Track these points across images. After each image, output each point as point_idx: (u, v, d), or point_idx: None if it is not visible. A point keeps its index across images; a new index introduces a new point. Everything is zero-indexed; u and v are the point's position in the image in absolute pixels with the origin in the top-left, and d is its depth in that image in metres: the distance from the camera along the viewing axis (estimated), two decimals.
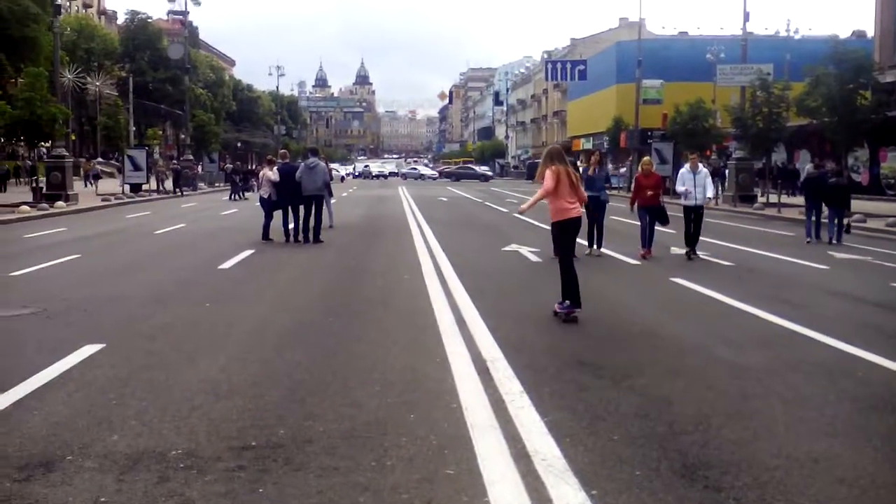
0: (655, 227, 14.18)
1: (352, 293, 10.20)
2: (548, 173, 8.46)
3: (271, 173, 16.48)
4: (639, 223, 14.51)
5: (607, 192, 15.19)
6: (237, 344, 7.19)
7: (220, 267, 12.51)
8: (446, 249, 14.78)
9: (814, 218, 18.00)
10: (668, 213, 14.18)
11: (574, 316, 8.12)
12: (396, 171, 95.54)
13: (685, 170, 14.40)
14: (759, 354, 7.01)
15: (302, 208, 16.23)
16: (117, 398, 5.51)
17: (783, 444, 4.65)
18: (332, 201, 20.30)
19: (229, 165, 53.98)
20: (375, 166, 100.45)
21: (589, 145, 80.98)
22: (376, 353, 6.77)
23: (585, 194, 11.37)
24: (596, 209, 14.28)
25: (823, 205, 17.72)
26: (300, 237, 16.06)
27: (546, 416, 5.02)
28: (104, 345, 7.01)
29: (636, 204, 14.20)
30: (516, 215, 21.76)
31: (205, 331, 7.76)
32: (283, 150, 18.26)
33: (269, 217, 16.36)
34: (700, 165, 14.51)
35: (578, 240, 14.05)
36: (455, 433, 4.75)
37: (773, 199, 30.93)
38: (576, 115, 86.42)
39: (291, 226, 16.35)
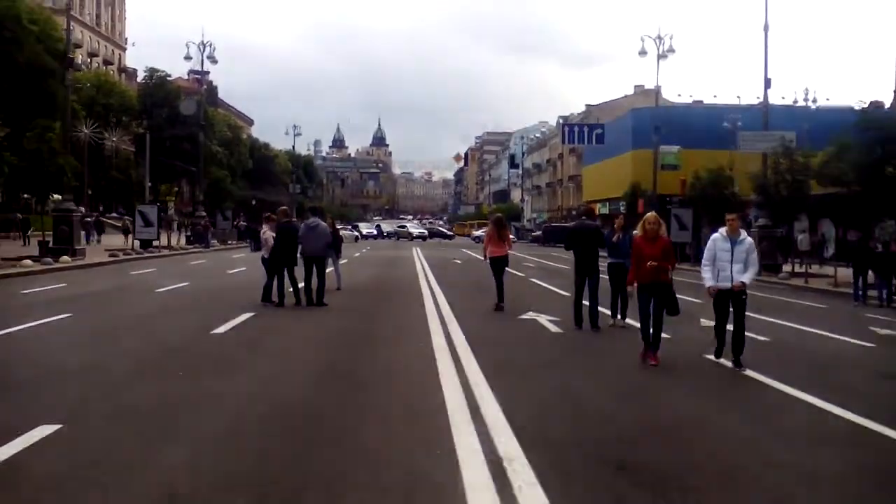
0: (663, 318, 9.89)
1: (352, 367, 9.16)
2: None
3: (269, 232, 15.67)
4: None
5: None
6: (210, 429, 6.20)
7: (214, 332, 11.55)
8: (459, 316, 13.80)
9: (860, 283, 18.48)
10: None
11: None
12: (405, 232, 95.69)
13: (720, 236, 9.77)
14: (824, 455, 5.99)
15: (303, 270, 15.37)
16: (53, 499, 4.55)
17: None
18: (341, 262, 19.40)
19: (243, 223, 53.56)
20: (386, 226, 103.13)
21: (605, 210, 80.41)
22: (372, 447, 5.75)
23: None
24: (621, 277, 13.33)
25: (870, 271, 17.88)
26: (302, 300, 15.16)
27: None
28: (60, 426, 6.06)
29: (635, 283, 10.04)
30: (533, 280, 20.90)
31: (177, 411, 6.77)
32: (282, 208, 17.42)
33: (270, 278, 15.46)
34: (743, 232, 9.88)
35: (602, 309, 13.28)
36: None
37: (798, 268, 29.90)
38: (591, 179, 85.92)
39: (290, 289, 15.43)
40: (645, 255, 9.61)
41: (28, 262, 25.15)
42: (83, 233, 46.15)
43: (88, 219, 53.78)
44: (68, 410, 6.66)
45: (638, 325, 13.08)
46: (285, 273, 15.26)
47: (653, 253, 9.59)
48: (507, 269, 16.21)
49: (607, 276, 13.36)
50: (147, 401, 7.15)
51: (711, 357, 9.95)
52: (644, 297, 9.80)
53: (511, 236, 23.69)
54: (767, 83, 33.24)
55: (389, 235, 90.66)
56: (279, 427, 6.28)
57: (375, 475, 5.10)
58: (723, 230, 9.86)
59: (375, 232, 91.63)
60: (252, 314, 13.69)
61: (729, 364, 9.52)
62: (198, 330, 11.82)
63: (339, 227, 41.85)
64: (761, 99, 34.86)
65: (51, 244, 29.51)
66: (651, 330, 9.67)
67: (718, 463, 5.68)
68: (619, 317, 13.34)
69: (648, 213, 10.07)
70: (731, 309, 9.67)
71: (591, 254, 12.85)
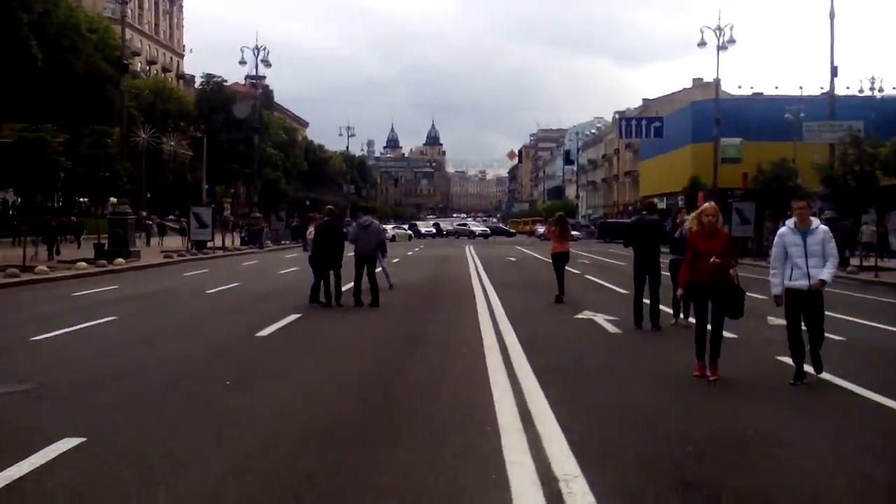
0: (724, 323, 8.38)
1: (398, 374, 8.66)
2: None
3: (311, 231, 15.32)
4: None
5: None
6: (245, 443, 5.75)
7: (259, 334, 11.18)
8: (511, 316, 13.22)
9: None
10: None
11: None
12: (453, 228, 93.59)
13: (787, 229, 8.21)
14: None
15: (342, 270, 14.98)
16: None
17: None
18: (386, 261, 18.93)
19: (296, 223, 53.68)
20: (445, 224, 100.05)
21: (662, 205, 78.82)
22: (415, 466, 5.21)
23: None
24: None
25: None
26: (341, 301, 14.78)
27: None
28: (85, 439, 5.68)
29: (684, 283, 8.60)
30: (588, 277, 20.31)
31: (212, 422, 6.35)
32: (328, 207, 17.01)
33: (317, 279, 15.09)
34: (815, 220, 8.32)
35: (663, 308, 12.58)
36: None
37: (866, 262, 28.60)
38: (648, 174, 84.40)
39: (346, 287, 15.03)
40: (702, 252, 8.25)
41: (83, 264, 25.27)
42: (143, 233, 47.11)
43: (149, 221, 54.72)
44: (95, 421, 6.30)
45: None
46: (331, 274, 14.86)
47: (711, 249, 8.21)
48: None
49: (668, 274, 12.62)
50: (178, 412, 6.75)
51: (787, 360, 9.17)
52: (701, 301, 8.35)
53: (575, 232, 23.70)
54: (834, 71, 31.88)
55: (449, 234, 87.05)
56: (319, 445, 5.77)
57: (418, 499, 4.57)
58: (790, 222, 8.29)
59: (434, 230, 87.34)
60: (298, 315, 13.32)
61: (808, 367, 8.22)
62: (244, 331, 11.48)
63: (389, 226, 41.79)
64: (825, 89, 33.84)
65: (106, 247, 29.77)
66: (709, 340, 8.22)
67: (800, 483, 5.04)
68: (681, 315, 12.59)
69: (705, 205, 8.70)
70: (801, 310, 8.10)
71: (651, 250, 12.17)
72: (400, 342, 10.92)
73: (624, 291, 18.51)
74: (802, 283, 8.04)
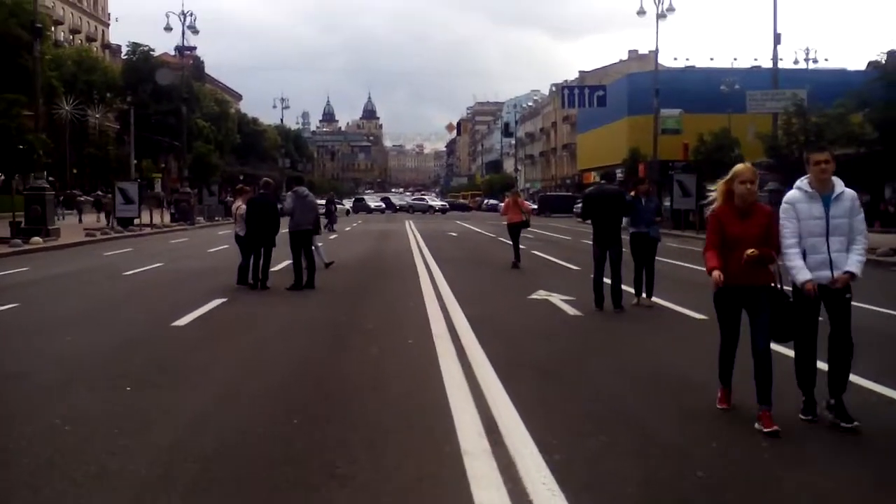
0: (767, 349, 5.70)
1: (333, 369, 7.41)
2: None
3: (242, 206, 13.93)
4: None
5: (659, 227, 12.10)
6: (135, 473, 4.48)
7: (175, 323, 9.82)
8: (460, 297, 12.08)
9: None
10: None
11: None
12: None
13: (800, 194, 5.68)
14: None
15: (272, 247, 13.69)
16: None
17: None
18: (320, 243, 17.55)
19: (230, 198, 51.61)
20: (395, 199, 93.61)
21: (598, 178, 78.68)
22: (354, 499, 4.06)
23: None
24: (644, 249, 11.64)
25: None
26: (268, 283, 13.49)
27: None
28: None
29: (718, 279, 5.62)
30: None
31: (101, 442, 5.06)
32: (265, 179, 15.55)
33: (246, 258, 13.74)
34: (839, 182, 5.63)
35: (625, 287, 11.62)
36: None
37: None
38: (586, 147, 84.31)
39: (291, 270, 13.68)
40: (733, 239, 5.55)
41: None
42: (75, 210, 44.45)
43: (81, 198, 51.95)
44: None
45: (667, 304, 11.50)
46: (261, 252, 13.53)
47: (748, 235, 5.51)
48: (521, 234, 18.80)
49: (628, 250, 11.65)
50: (72, 421, 5.46)
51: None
52: (732, 311, 5.73)
53: (529, 203, 23.86)
54: (777, 38, 31.48)
55: (404, 209, 79.73)
56: (228, 471, 4.57)
57: None
58: (805, 182, 5.66)
59: (384, 205, 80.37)
60: (223, 300, 11.96)
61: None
62: (156, 322, 10.07)
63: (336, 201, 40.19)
64: (758, 61, 33.42)
65: (22, 224, 27.73)
66: (756, 376, 5.52)
67: None
68: (643, 294, 11.65)
69: (740, 166, 5.75)
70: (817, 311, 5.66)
71: (613, 223, 11.11)
72: (335, 331, 9.61)
73: (575, 268, 17.59)
74: (823, 274, 5.51)
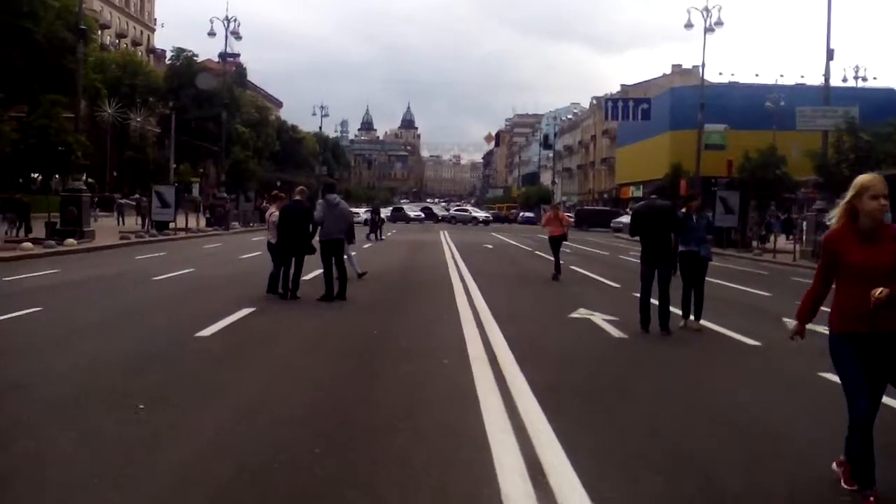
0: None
1: (362, 392, 6.84)
2: None
3: (275, 213, 13.52)
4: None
5: (710, 246, 11.38)
6: None
7: (200, 334, 9.37)
8: (497, 314, 11.51)
9: None
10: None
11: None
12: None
13: None
14: None
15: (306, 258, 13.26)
16: None
17: None
18: (353, 252, 17.10)
19: (266, 204, 51.55)
20: (437, 209, 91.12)
21: (639, 193, 77.87)
22: None
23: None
24: (694, 269, 10.98)
25: None
26: (298, 293, 13.05)
27: None
28: None
29: (799, 330, 4.78)
30: (578, 274, 18.71)
31: (104, 468, 4.59)
32: (300, 187, 15.07)
33: (277, 267, 13.30)
34: None
35: (673, 309, 10.98)
36: None
37: None
38: (625, 161, 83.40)
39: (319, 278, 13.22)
40: (858, 270, 4.33)
41: (28, 244, 23.25)
42: (117, 214, 44.50)
43: (123, 201, 52.20)
44: None
45: (716, 328, 10.81)
46: (292, 262, 13.10)
47: (877, 264, 4.31)
48: (562, 247, 19.01)
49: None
50: (64, 448, 4.99)
51: (831, 377, 7.53)
52: (856, 364, 4.34)
53: (568, 216, 23.92)
54: (830, 54, 30.43)
55: (446, 220, 76.67)
56: None
57: None
58: None
59: (423, 215, 77.26)
60: (251, 310, 11.51)
61: None
62: (180, 332, 9.62)
63: (362, 209, 40.01)
64: (804, 79, 32.63)
65: (58, 226, 27.68)
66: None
67: None
68: (691, 317, 10.99)
69: (868, 177, 4.47)
70: None
71: (662, 241, 10.47)
72: (365, 349, 9.06)
73: (615, 285, 16.97)
74: None
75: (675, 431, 5.78)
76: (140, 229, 36.34)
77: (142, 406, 6.05)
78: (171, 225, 36.55)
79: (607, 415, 6.25)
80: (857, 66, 65.59)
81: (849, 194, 4.43)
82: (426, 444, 5.28)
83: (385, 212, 68.65)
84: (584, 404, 6.52)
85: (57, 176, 38.09)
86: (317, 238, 13.31)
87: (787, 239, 41.25)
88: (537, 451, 5.00)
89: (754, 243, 36.26)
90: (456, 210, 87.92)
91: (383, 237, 36.90)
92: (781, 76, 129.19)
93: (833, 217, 4.55)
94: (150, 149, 42.99)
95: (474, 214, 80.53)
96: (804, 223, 32.75)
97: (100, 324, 10.45)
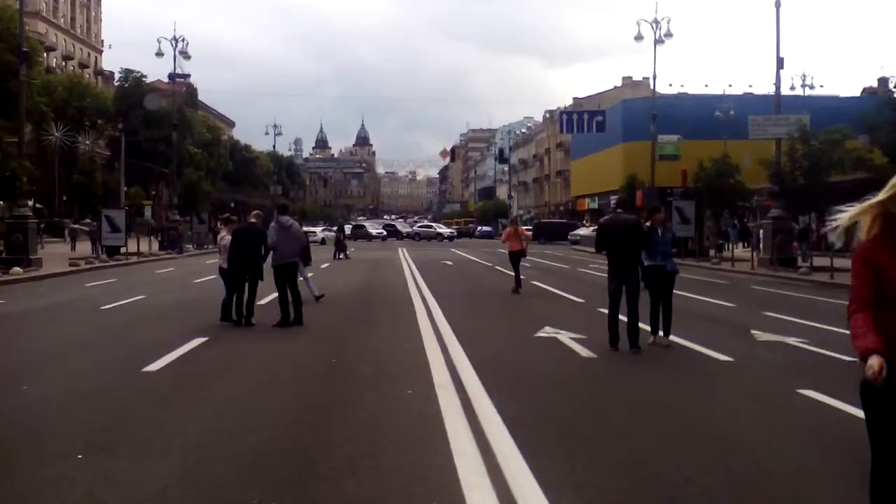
0: None
1: (320, 431, 6.31)
2: None
3: (226, 237, 13.00)
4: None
5: (674, 260, 11.06)
6: None
7: (147, 368, 8.81)
8: (461, 336, 11.08)
9: None
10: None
11: None
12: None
13: None
14: None
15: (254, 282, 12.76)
16: None
17: None
18: (310, 274, 16.61)
19: (220, 226, 50.62)
20: (401, 225, 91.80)
21: (594, 205, 78.41)
22: None
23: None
24: (662, 283, 10.69)
25: None
26: (253, 320, 12.57)
27: None
28: None
29: (880, 370, 3.13)
30: (537, 287, 18.48)
31: None
32: (256, 211, 14.50)
33: (230, 293, 12.76)
34: None
35: (641, 325, 10.68)
36: None
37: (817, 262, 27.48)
38: (580, 174, 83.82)
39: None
40: (892, 285, 3.30)
41: None
42: (69, 239, 43.10)
43: (75, 226, 50.73)
44: None
45: (685, 343, 10.48)
46: (245, 287, 12.58)
47: None
48: (522, 262, 19.30)
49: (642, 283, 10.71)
50: None
51: (812, 394, 7.29)
52: (887, 402, 3.26)
53: (527, 229, 24.10)
54: (780, 62, 30.68)
55: (410, 236, 76.56)
56: None
57: None
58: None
59: (385, 233, 75.73)
60: (203, 339, 10.95)
61: None
62: (126, 367, 9.03)
63: (318, 227, 39.51)
64: (752, 88, 32.94)
65: (3, 254, 26.69)
66: None
67: None
68: (660, 333, 10.70)
69: None
70: None
71: (629, 255, 10.18)
72: (324, 379, 8.54)
73: (579, 300, 16.70)
74: None
75: (652, 461, 5.42)
76: (91, 255, 35.29)
77: (79, 456, 5.52)
78: (123, 250, 35.57)
79: (585, 446, 5.85)
80: (804, 75, 66.61)
81: (882, 195, 3.36)
82: (391, 494, 4.82)
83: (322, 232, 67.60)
84: (559, 436, 6.11)
85: (1, 203, 36.98)
86: (269, 263, 12.80)
87: (744, 247, 41.55)
88: (514, 495, 4.60)
89: (711, 252, 36.41)
90: (420, 227, 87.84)
91: (349, 256, 36.62)
92: (730, 86, 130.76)
93: (857, 223, 3.45)
94: (100, 172, 41.79)
95: (439, 231, 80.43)
96: (761, 231, 32.88)
97: (39, 360, 9.81)
